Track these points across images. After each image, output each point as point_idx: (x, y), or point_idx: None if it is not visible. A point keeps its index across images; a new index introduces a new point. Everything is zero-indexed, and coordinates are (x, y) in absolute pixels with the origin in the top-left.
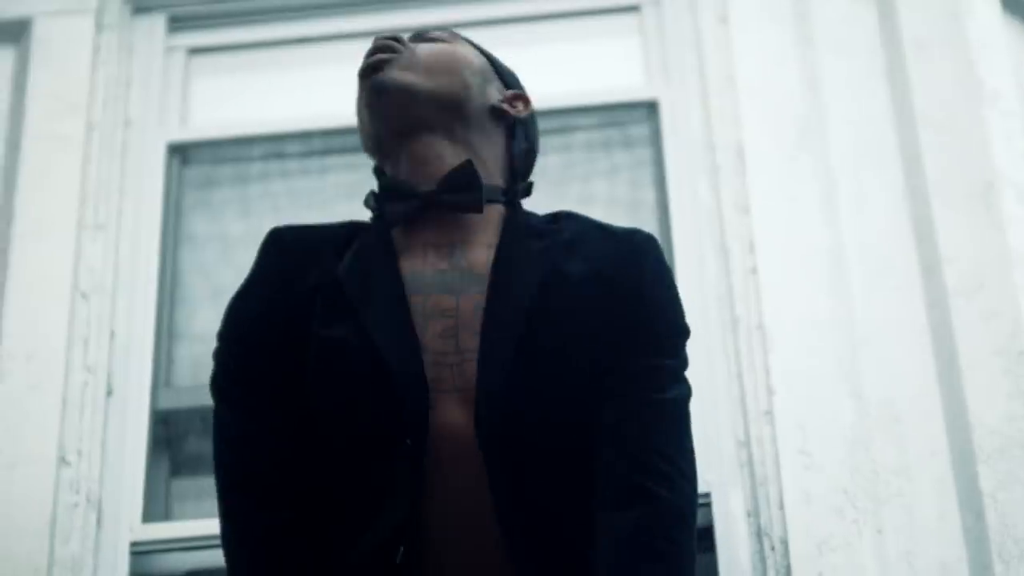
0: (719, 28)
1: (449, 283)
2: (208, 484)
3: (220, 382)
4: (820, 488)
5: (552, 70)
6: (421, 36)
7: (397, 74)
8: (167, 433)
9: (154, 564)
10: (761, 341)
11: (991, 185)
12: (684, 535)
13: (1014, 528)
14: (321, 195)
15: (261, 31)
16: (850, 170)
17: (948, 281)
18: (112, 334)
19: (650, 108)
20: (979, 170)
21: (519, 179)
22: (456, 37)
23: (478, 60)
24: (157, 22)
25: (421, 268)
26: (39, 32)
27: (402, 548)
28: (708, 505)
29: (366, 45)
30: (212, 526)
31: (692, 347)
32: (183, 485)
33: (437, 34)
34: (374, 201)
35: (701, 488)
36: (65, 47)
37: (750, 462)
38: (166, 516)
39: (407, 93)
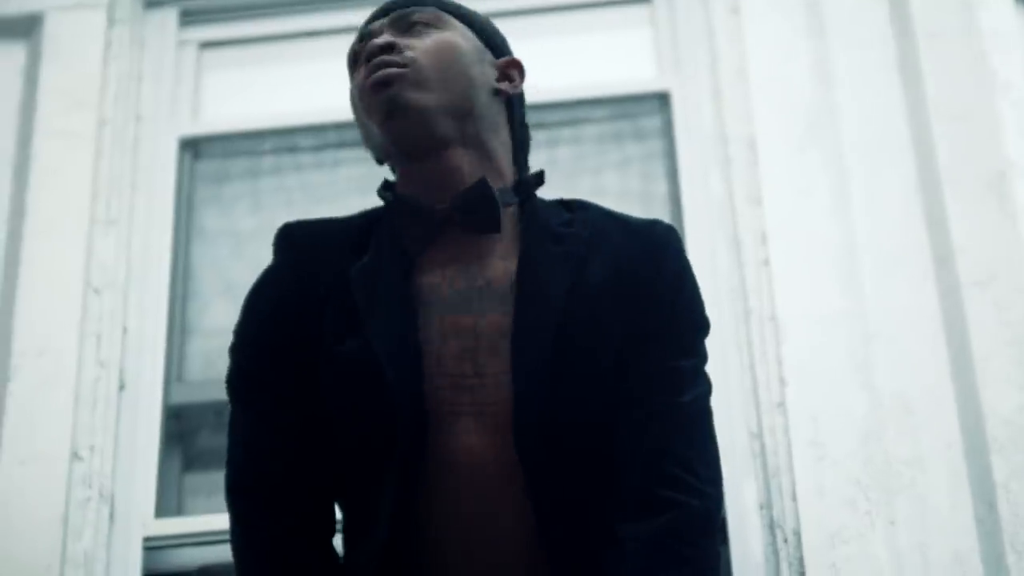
0: (731, 20)
1: (467, 302)
2: (220, 479)
3: (234, 381)
4: (833, 480)
5: (563, 62)
6: (405, 22)
7: (412, 95)
8: (179, 428)
9: (167, 559)
10: (773, 332)
11: (1004, 175)
12: (707, 539)
13: None
14: (334, 188)
15: (273, 24)
16: (862, 161)
17: (961, 272)
18: (124, 329)
19: (662, 100)
20: (992, 160)
21: (523, 154)
22: (440, 18)
23: (468, 42)
24: (169, 16)
25: (439, 284)
26: (50, 27)
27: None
28: None
29: None
30: (224, 521)
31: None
32: (195, 480)
33: (423, 18)
34: (389, 195)
35: None
36: (76, 42)
37: (763, 453)
38: (179, 511)
39: (424, 116)
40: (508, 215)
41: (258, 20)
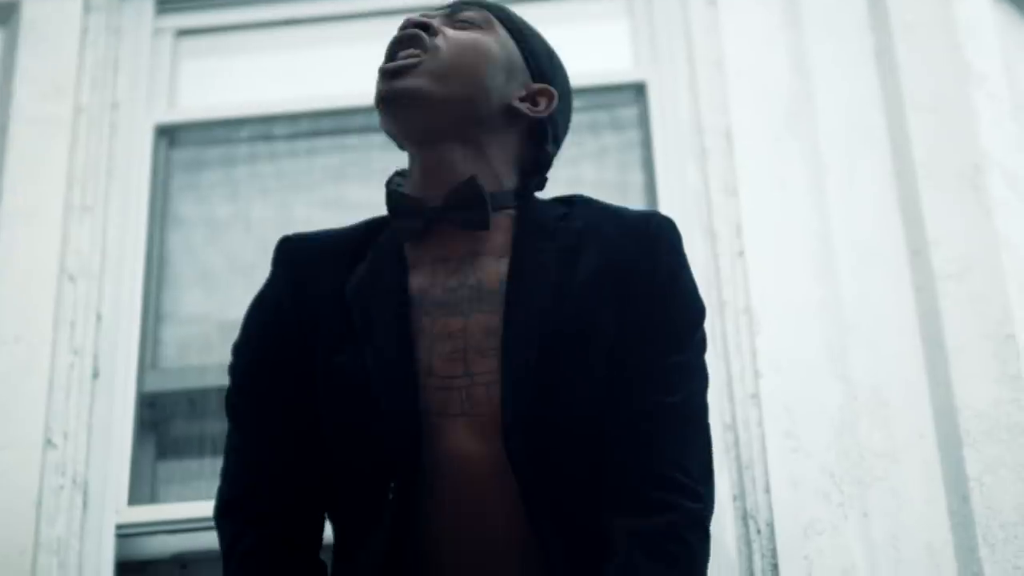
0: (707, 10)
1: (458, 303)
2: (194, 466)
3: (233, 400)
4: (806, 471)
5: None
6: (454, 14)
7: (411, 82)
8: (153, 415)
9: (140, 547)
10: (748, 324)
11: (979, 168)
12: (698, 539)
13: (1000, 512)
14: (309, 177)
15: (249, 12)
16: (838, 153)
17: (936, 264)
18: (99, 316)
19: (638, 90)
20: (967, 153)
21: (537, 174)
22: (490, 22)
23: (504, 52)
24: (145, 4)
25: (430, 286)
26: (27, 14)
27: None
28: None
29: (354, 26)
30: (198, 509)
31: None
32: (169, 467)
33: (470, 16)
34: (392, 185)
35: None
36: (53, 29)
37: (736, 445)
38: (152, 499)
39: (418, 105)
40: (504, 217)
41: (234, 8)
